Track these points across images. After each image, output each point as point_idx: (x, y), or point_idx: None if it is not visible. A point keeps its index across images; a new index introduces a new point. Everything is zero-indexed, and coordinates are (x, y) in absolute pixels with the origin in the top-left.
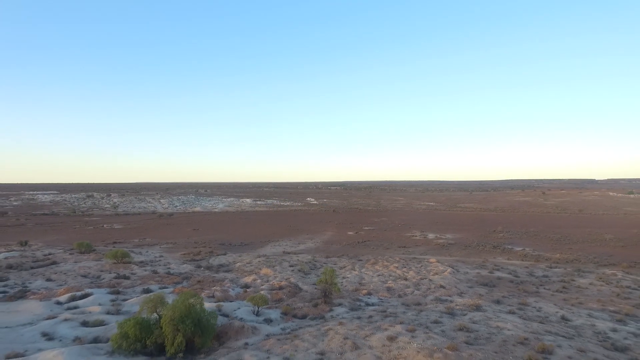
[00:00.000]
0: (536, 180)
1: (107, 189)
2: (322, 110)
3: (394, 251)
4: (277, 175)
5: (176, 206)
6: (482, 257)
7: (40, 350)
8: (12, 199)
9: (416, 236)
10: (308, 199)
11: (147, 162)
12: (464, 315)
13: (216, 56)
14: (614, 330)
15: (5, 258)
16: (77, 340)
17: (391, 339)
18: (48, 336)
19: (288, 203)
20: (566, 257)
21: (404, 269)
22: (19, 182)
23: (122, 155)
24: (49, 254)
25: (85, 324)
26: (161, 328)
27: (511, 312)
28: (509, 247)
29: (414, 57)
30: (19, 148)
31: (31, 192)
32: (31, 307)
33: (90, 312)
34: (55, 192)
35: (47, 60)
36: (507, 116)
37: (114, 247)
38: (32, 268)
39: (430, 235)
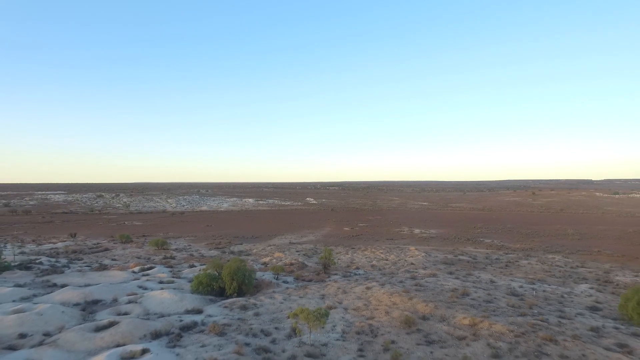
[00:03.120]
0: (533, 181)
1: (111, 188)
2: (320, 110)
3: (382, 242)
4: (276, 176)
5: (184, 205)
6: (455, 246)
7: (145, 292)
8: (26, 198)
9: (404, 231)
10: (307, 198)
11: (145, 162)
12: (422, 279)
13: (214, 55)
14: (521, 287)
15: (65, 246)
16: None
17: (368, 288)
18: (142, 287)
19: (288, 203)
20: (524, 246)
21: (387, 254)
22: (19, 182)
23: (121, 155)
24: (98, 243)
25: (161, 282)
26: (222, 279)
27: (456, 278)
28: (481, 239)
29: (414, 57)
30: (17, 148)
31: (41, 192)
32: (117, 274)
33: (160, 277)
34: (64, 192)
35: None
36: (506, 116)
37: (145, 239)
38: (91, 253)
39: (417, 231)
